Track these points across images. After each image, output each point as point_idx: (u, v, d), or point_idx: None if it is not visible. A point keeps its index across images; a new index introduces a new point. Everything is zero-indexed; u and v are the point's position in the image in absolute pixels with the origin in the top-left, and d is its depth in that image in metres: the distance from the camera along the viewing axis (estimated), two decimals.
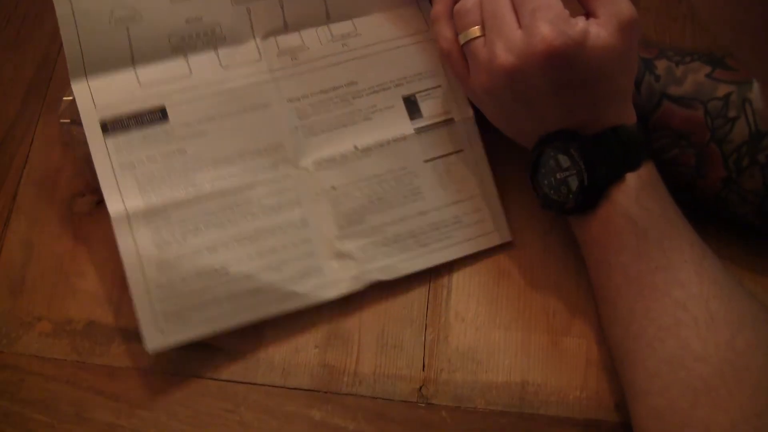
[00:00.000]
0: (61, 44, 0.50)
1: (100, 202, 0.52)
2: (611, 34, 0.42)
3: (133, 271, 0.47)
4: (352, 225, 0.50)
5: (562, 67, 0.42)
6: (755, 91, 0.46)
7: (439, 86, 0.52)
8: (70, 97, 0.50)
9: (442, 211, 0.51)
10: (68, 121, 0.50)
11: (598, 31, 0.42)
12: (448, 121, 0.52)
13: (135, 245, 0.47)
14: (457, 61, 0.47)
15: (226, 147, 0.50)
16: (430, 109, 0.52)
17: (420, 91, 0.52)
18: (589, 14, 0.44)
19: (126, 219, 0.47)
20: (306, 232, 0.50)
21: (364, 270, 0.50)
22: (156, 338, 0.47)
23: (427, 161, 0.52)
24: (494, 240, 0.52)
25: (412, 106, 0.52)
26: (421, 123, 0.52)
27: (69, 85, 0.49)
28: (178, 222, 0.48)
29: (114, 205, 0.48)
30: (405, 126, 0.52)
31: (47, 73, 0.56)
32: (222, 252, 0.48)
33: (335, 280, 0.50)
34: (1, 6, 0.58)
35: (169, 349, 0.47)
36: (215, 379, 0.49)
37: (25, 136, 0.55)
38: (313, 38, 0.52)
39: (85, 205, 0.53)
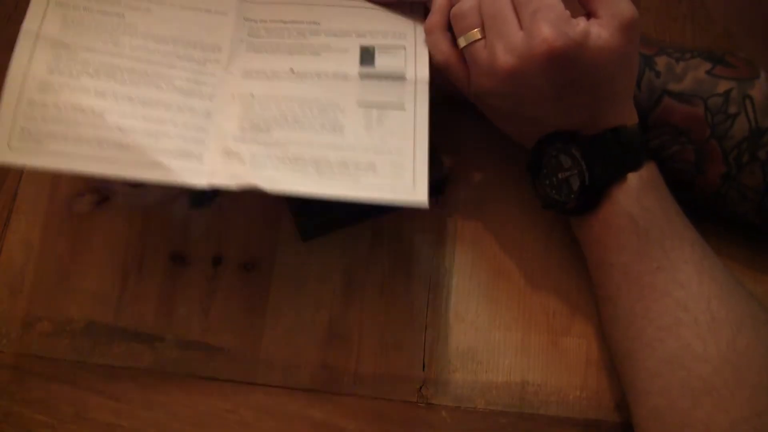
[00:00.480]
0: None
1: (100, 202, 0.53)
2: (612, 34, 0.42)
3: (13, 81, 0.45)
4: (255, 132, 0.47)
5: (564, 68, 0.42)
6: (762, 83, 0.46)
7: (403, 48, 0.50)
8: None
9: (359, 153, 0.47)
10: None
11: (599, 31, 0.42)
12: (399, 78, 0.49)
13: (29, 62, 0.46)
14: (456, 69, 0.47)
15: (163, 29, 0.49)
16: (384, 61, 0.50)
17: (380, 45, 0.50)
18: (589, 15, 0.44)
19: (34, 37, 0.46)
20: (204, 122, 0.47)
21: (248, 173, 0.46)
22: (4, 153, 0.44)
23: (361, 105, 0.48)
24: (407, 195, 0.46)
25: (367, 55, 0.50)
26: (369, 71, 0.49)
27: None
28: (82, 62, 0.47)
29: (30, 23, 0.47)
30: (351, 67, 0.49)
31: None
32: (109, 100, 0.46)
33: (211, 171, 0.46)
34: (1, 6, 0.58)
35: (15, 167, 0.46)
36: (215, 379, 0.49)
37: None
38: None
39: (85, 205, 0.53)
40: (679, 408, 0.41)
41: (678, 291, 0.43)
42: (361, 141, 0.47)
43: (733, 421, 0.40)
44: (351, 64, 0.49)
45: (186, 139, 0.47)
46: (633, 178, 0.44)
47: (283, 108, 0.48)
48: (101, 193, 0.53)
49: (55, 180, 0.54)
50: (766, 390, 0.41)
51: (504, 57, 0.43)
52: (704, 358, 0.41)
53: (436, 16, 0.47)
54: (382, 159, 0.47)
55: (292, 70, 0.49)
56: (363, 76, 0.49)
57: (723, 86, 0.47)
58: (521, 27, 0.43)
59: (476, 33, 0.45)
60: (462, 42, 0.45)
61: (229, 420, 0.48)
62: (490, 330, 0.50)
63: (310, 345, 0.50)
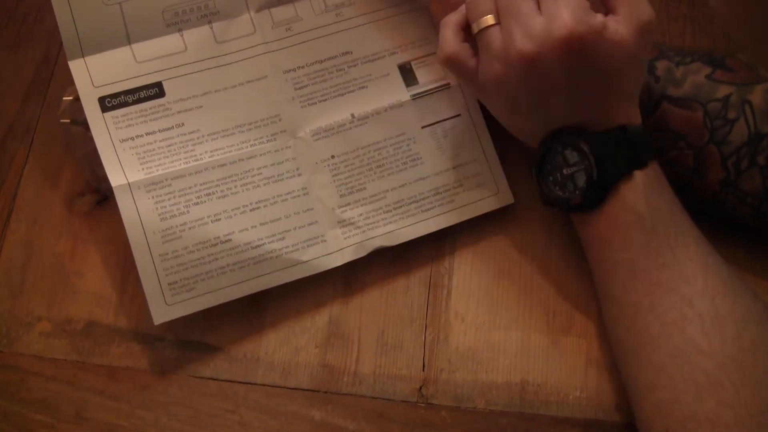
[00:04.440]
0: (61, 44, 0.50)
1: (100, 202, 0.53)
2: (629, 32, 0.43)
3: (138, 242, 0.47)
4: (353, 193, 0.51)
5: (580, 56, 0.42)
6: (763, 88, 0.46)
7: (434, 53, 0.53)
8: (70, 97, 0.50)
9: (443, 176, 0.51)
10: (68, 121, 0.50)
11: (616, 27, 0.43)
12: (445, 87, 0.52)
13: (138, 217, 0.48)
14: (465, 60, 0.46)
15: (223, 120, 0.50)
16: (425, 75, 0.52)
17: (414, 59, 0.53)
18: (608, 11, 0.44)
19: (128, 190, 0.48)
20: (307, 201, 0.50)
21: (368, 237, 0.50)
22: (162, 311, 0.47)
23: (424, 127, 0.52)
24: (497, 203, 0.52)
25: (407, 73, 0.52)
26: (417, 89, 0.52)
27: (69, 85, 0.49)
28: (180, 192, 0.48)
29: (116, 179, 0.48)
30: (401, 93, 0.52)
31: (47, 73, 0.56)
32: (225, 222, 0.49)
33: (339, 248, 0.50)
34: (1, 6, 0.58)
35: (175, 319, 0.47)
36: (215, 379, 0.49)
37: (25, 136, 0.55)
38: (307, 9, 0.52)
39: (85, 205, 0.53)
40: (683, 402, 0.41)
41: (683, 287, 0.43)
42: (439, 163, 0.52)
43: (738, 416, 0.40)
44: (398, 88, 0.52)
45: (303, 226, 0.50)
46: (639, 175, 0.44)
47: (363, 158, 0.51)
48: (101, 193, 0.52)
49: (55, 180, 0.54)
50: None
51: (522, 42, 0.43)
52: (709, 353, 0.41)
53: (453, 14, 0.47)
54: (464, 171, 0.52)
55: (352, 115, 0.51)
56: (414, 97, 0.52)
57: (722, 91, 0.47)
58: (540, 13, 0.43)
59: (490, 19, 0.44)
60: (475, 28, 0.45)
61: (229, 420, 0.48)
62: (490, 330, 0.50)
63: (310, 345, 0.50)
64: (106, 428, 0.48)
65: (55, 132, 0.54)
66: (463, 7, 0.47)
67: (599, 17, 0.42)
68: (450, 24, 0.47)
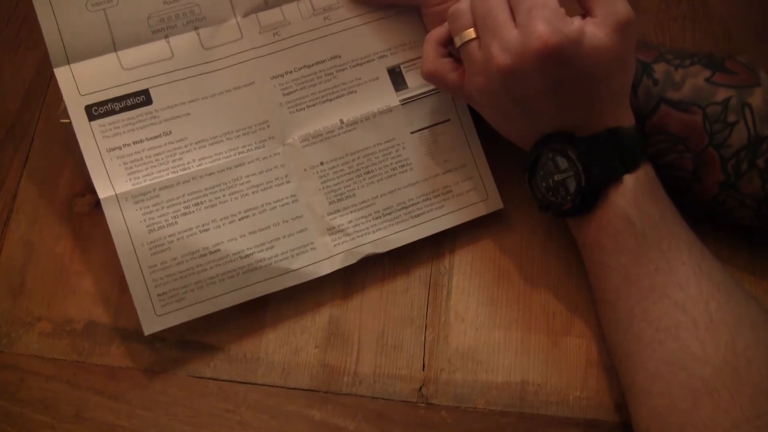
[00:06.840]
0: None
1: (100, 202, 0.53)
2: (607, 34, 0.42)
3: (126, 254, 0.47)
4: (342, 200, 0.50)
5: (559, 66, 0.42)
6: (762, 91, 0.46)
7: None
8: None
9: (432, 182, 0.51)
10: (68, 121, 0.50)
11: (594, 30, 0.42)
12: (434, 91, 0.52)
13: (126, 229, 0.47)
14: (445, 75, 0.47)
15: (211, 127, 0.50)
16: (415, 79, 0.52)
17: (404, 62, 0.52)
18: (585, 14, 0.44)
19: (116, 202, 0.48)
20: (297, 208, 0.50)
21: (357, 244, 0.50)
22: (152, 321, 0.47)
23: (414, 132, 0.52)
24: (486, 208, 0.52)
25: (396, 77, 0.52)
26: (406, 94, 0.52)
27: None
28: (168, 203, 0.48)
29: (103, 190, 0.48)
30: (390, 98, 0.52)
31: (47, 73, 0.56)
32: (214, 232, 0.48)
33: (329, 256, 0.50)
34: (1, 6, 0.58)
35: (166, 329, 0.48)
36: (215, 379, 0.49)
37: (25, 136, 0.55)
38: (294, 13, 0.52)
39: (85, 205, 0.53)
40: (679, 409, 0.41)
41: (676, 293, 0.43)
42: (429, 169, 0.51)
43: (734, 421, 0.40)
44: (388, 92, 0.52)
45: (293, 234, 0.50)
46: (629, 179, 0.44)
47: (353, 165, 0.51)
48: None
49: (55, 180, 0.54)
50: (767, 390, 0.41)
51: (500, 55, 0.43)
52: (704, 359, 0.41)
53: (436, 29, 0.48)
54: (453, 177, 0.52)
55: (341, 121, 0.51)
56: (404, 102, 0.51)
57: (722, 94, 0.47)
58: (515, 25, 0.43)
59: (470, 32, 0.45)
60: (457, 42, 0.46)
61: (229, 420, 0.48)
62: (490, 330, 0.50)
63: (310, 345, 0.50)
64: (106, 428, 0.48)
65: (55, 132, 0.54)
66: (447, 22, 0.47)
67: (575, 23, 0.42)
68: (431, 40, 0.48)
